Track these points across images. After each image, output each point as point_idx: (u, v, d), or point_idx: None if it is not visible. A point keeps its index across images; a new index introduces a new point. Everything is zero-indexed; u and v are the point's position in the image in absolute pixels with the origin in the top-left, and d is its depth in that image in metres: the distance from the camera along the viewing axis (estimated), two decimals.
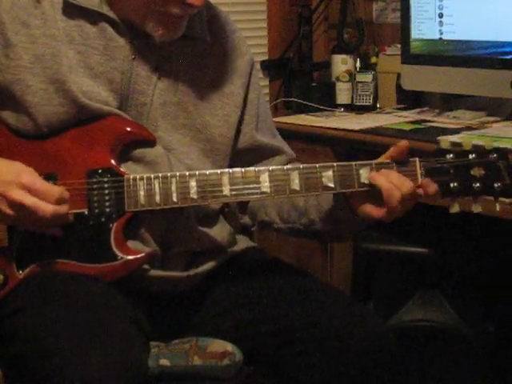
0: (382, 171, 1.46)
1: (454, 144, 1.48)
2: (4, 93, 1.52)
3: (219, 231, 1.62)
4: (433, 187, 1.45)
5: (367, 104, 2.73)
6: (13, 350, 1.41)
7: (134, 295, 1.50)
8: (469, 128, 2.26)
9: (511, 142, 2.02)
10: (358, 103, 2.74)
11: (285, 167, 1.49)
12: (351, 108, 2.74)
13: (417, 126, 2.35)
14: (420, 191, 1.46)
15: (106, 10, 1.53)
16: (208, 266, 1.61)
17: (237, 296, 1.61)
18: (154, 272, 1.54)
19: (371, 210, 1.47)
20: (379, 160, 1.49)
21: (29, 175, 1.42)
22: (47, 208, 1.40)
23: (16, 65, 1.51)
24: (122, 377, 1.28)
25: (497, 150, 1.46)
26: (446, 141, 1.48)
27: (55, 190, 1.42)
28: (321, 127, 2.47)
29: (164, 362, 1.52)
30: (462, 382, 2.26)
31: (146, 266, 1.52)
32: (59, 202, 1.42)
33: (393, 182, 1.44)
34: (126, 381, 1.29)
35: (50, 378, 1.29)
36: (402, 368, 1.51)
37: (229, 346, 1.57)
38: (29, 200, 1.40)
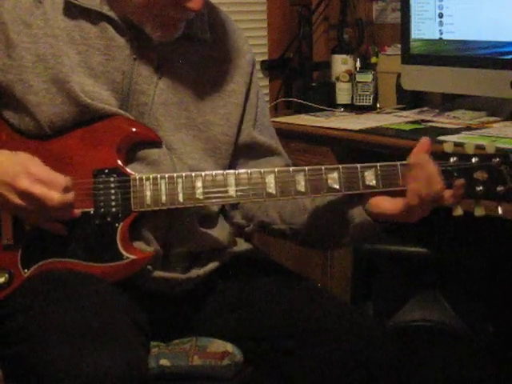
0: (419, 163, 1.44)
1: (456, 145, 1.47)
2: (6, 93, 1.52)
3: (220, 231, 1.62)
4: (461, 190, 1.44)
5: (367, 104, 2.73)
6: (14, 350, 1.41)
7: (135, 295, 1.50)
8: (469, 128, 2.26)
9: (511, 142, 2.02)
10: (358, 103, 2.75)
11: (290, 169, 1.49)
12: (351, 108, 2.74)
13: (417, 126, 2.35)
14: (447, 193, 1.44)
15: (106, 9, 1.53)
16: (209, 267, 1.61)
17: (237, 296, 1.61)
18: (155, 272, 1.54)
19: (386, 204, 1.46)
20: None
21: (36, 165, 1.43)
22: (55, 196, 1.41)
23: (18, 65, 1.51)
24: (122, 377, 1.28)
25: (500, 154, 1.46)
26: (449, 144, 1.47)
27: (61, 179, 1.43)
28: (321, 127, 2.47)
29: (164, 361, 1.52)
30: (462, 382, 2.26)
31: (148, 267, 1.52)
32: (66, 190, 1.43)
33: (429, 176, 1.42)
34: (126, 381, 1.29)
35: (50, 378, 1.29)
36: (402, 369, 1.51)
37: (229, 346, 1.57)
38: (37, 189, 1.41)
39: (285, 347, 1.51)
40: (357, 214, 1.50)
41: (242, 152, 1.65)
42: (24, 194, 1.41)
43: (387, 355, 1.48)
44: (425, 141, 1.47)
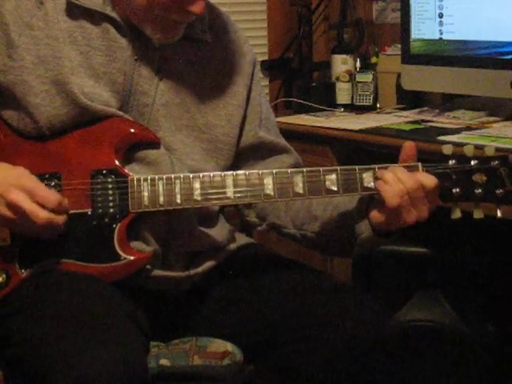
0: (389, 167, 1.46)
1: (456, 145, 1.47)
2: (6, 93, 1.52)
3: (219, 231, 1.62)
4: (431, 178, 1.43)
5: (367, 104, 2.73)
6: (13, 350, 1.41)
7: (134, 295, 1.50)
8: (469, 128, 2.26)
9: (511, 142, 2.02)
10: (358, 103, 2.75)
11: (288, 170, 1.49)
12: (351, 108, 2.74)
13: (417, 126, 2.35)
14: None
15: (108, 10, 1.53)
16: (208, 265, 1.61)
17: (237, 295, 1.61)
18: (154, 271, 1.54)
19: (376, 212, 1.46)
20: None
21: (30, 180, 1.42)
22: (41, 214, 1.40)
23: (19, 66, 1.51)
24: (121, 377, 1.28)
25: (499, 156, 1.46)
26: (448, 147, 1.47)
27: (54, 198, 1.41)
28: (321, 127, 2.47)
29: (164, 361, 1.52)
30: (462, 382, 2.26)
31: (147, 266, 1.52)
32: (56, 209, 1.41)
33: (397, 176, 1.43)
34: (126, 381, 1.29)
35: (50, 379, 1.29)
36: (402, 367, 1.51)
37: (229, 346, 1.57)
38: (26, 204, 1.39)
39: (286, 342, 1.51)
40: (364, 228, 1.50)
41: (250, 153, 1.66)
42: (13, 206, 1.40)
43: (389, 355, 1.48)
44: (408, 145, 1.47)
